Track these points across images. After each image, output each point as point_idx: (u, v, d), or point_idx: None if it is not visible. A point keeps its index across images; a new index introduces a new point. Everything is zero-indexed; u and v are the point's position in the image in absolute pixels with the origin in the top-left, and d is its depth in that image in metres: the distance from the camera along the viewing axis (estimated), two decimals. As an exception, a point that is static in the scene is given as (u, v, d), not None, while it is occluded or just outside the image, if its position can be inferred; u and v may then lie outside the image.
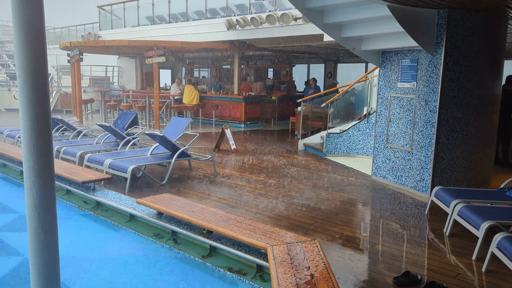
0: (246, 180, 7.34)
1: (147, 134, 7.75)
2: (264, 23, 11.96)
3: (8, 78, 22.24)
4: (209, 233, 4.42)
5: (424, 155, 6.32)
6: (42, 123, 2.04)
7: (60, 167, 6.58)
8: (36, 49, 2.03)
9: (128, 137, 8.74)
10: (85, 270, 3.92)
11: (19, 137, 9.70)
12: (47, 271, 2.11)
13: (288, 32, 11.67)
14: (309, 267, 3.26)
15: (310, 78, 15.25)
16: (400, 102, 6.78)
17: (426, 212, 5.63)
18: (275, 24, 11.75)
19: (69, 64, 15.63)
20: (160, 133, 7.80)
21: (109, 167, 6.87)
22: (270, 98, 15.14)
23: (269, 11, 12.23)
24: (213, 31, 13.68)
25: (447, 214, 4.93)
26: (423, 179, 6.38)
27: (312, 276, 3.11)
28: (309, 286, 2.96)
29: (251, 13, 12.90)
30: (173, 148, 7.51)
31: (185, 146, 7.69)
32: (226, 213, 4.67)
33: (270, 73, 19.24)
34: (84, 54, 15.19)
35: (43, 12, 2.02)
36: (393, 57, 6.86)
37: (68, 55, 15.25)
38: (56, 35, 26.43)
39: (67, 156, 7.91)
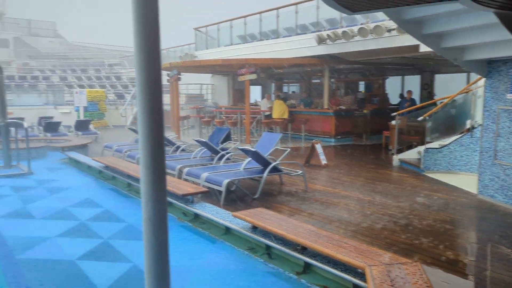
0: (338, 196, 7.20)
1: (240, 149, 8.01)
2: (356, 36, 11.77)
3: (116, 98, 24.53)
4: (303, 250, 4.40)
5: (541, 174, 5.67)
6: (157, 144, 2.22)
7: (162, 180, 7.04)
8: (152, 72, 2.22)
9: (222, 152, 9.09)
10: (186, 279, 4.13)
11: (125, 151, 10.61)
12: (159, 279, 2.28)
13: (381, 44, 11.34)
14: (412, 291, 3.09)
15: (405, 90, 14.59)
16: (510, 115, 6.18)
17: (545, 238, 5.03)
18: (367, 37, 11.50)
19: (168, 83, 16.79)
20: (252, 148, 8.01)
21: (205, 181, 7.20)
22: (362, 111, 14.76)
23: (361, 24, 12.01)
24: (303, 47, 13.80)
25: None
26: (540, 200, 5.72)
27: (415, 301, 2.94)
28: (413, 312, 2.79)
29: (342, 27, 12.78)
30: (264, 163, 7.65)
31: (276, 161, 7.79)
32: (320, 230, 4.62)
33: (361, 86, 18.79)
34: (181, 73, 16.21)
35: (159, 38, 2.22)
36: (502, 67, 6.30)
37: (168, 75, 16.40)
38: (157, 57, 28.58)
39: (168, 169, 8.45)
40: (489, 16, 5.05)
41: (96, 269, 4.28)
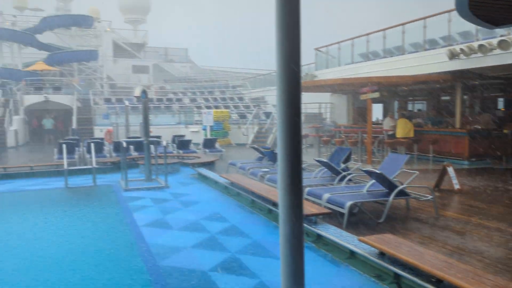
0: (475, 225, 6.51)
1: (363, 171, 7.78)
2: (495, 49, 10.68)
3: (238, 117, 25.89)
4: (438, 282, 4.06)
5: None
6: (295, 166, 2.28)
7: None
8: (292, 95, 2.31)
9: (344, 173, 8.93)
10: (312, 301, 4.10)
11: (249, 169, 11.09)
12: (295, 299, 2.31)
13: (527, 57, 10.12)
14: None
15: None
16: None
17: None
18: (509, 50, 10.35)
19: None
20: (375, 169, 7.71)
21: (327, 202, 7.13)
22: (501, 131, 13.23)
23: (501, 36, 10.88)
24: (431, 63, 12.98)
25: None
26: None
27: None
28: None
29: (478, 40, 11.73)
30: (390, 186, 7.30)
31: (402, 185, 7.37)
32: (457, 262, 4.22)
33: (501, 103, 16.91)
34: (302, 93, 16.46)
35: (299, 59, 2.31)
36: None
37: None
38: (277, 77, 29.55)
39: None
40: None
41: (227, 282, 4.50)
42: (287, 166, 2.27)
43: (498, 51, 10.66)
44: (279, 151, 2.31)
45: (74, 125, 24.28)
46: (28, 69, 30.34)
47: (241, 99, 31.27)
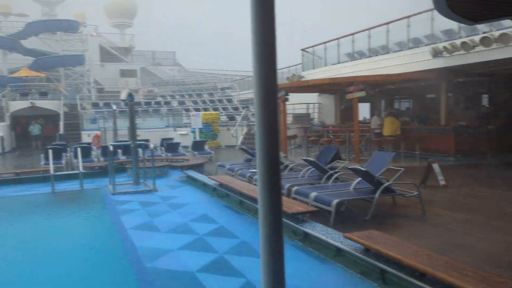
0: (460, 220, 6.61)
1: (350, 169, 7.85)
2: (477, 46, 10.85)
3: (227, 119, 25.88)
4: (421, 276, 4.12)
5: None
6: (273, 165, 2.31)
7: (272, 198, 7.18)
8: (269, 95, 2.33)
9: (331, 172, 9.00)
10: (298, 299, 4.13)
11: (237, 170, 11.11)
12: (275, 296, 2.33)
13: (508, 53, 10.27)
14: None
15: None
16: None
17: None
18: (491, 46, 10.53)
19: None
20: (362, 167, 7.79)
21: (314, 200, 7.18)
22: (486, 128, 13.43)
23: (484, 33, 11.05)
24: (416, 61, 13.15)
25: None
26: None
27: None
28: None
29: (461, 37, 11.90)
30: (376, 183, 7.38)
31: (388, 181, 7.46)
32: (442, 257, 4.27)
33: (485, 100, 17.17)
34: (288, 94, 16.53)
35: (275, 61, 2.33)
36: None
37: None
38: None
39: (277, 188, 8.60)
40: None
41: (214, 282, 4.52)
42: (265, 165, 2.29)
43: (480, 48, 10.84)
44: (258, 150, 2.34)
45: (61, 130, 24.06)
46: (14, 75, 30.00)
47: (230, 101, 31.28)
